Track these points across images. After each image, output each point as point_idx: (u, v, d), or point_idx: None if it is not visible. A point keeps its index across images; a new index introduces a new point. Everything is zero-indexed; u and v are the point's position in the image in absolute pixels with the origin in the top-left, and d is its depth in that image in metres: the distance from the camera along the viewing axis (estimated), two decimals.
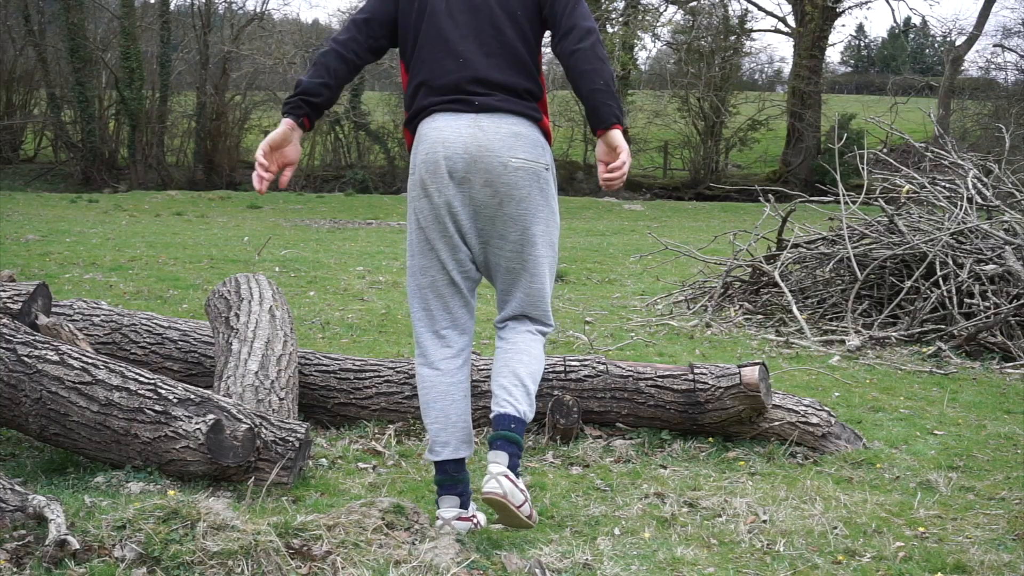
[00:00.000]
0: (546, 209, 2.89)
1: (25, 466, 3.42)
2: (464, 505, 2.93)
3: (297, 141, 2.89)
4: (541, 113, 2.90)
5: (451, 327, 2.95)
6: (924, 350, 5.83)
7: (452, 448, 2.93)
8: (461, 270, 2.91)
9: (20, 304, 3.72)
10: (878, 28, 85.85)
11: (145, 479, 3.10)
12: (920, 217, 7.07)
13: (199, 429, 3.11)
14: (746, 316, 6.92)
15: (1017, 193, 7.26)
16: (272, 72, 27.53)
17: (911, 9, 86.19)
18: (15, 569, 2.37)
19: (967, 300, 6.14)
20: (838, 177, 7.34)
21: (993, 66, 29.45)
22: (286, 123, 2.86)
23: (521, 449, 2.84)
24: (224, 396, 3.43)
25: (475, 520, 2.93)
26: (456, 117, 2.81)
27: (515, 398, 2.89)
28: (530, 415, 2.91)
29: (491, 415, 2.90)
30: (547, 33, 2.94)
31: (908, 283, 6.34)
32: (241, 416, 3.18)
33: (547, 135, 2.92)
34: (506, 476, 2.75)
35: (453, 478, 2.94)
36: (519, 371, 2.92)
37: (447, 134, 2.80)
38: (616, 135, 2.81)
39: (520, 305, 2.96)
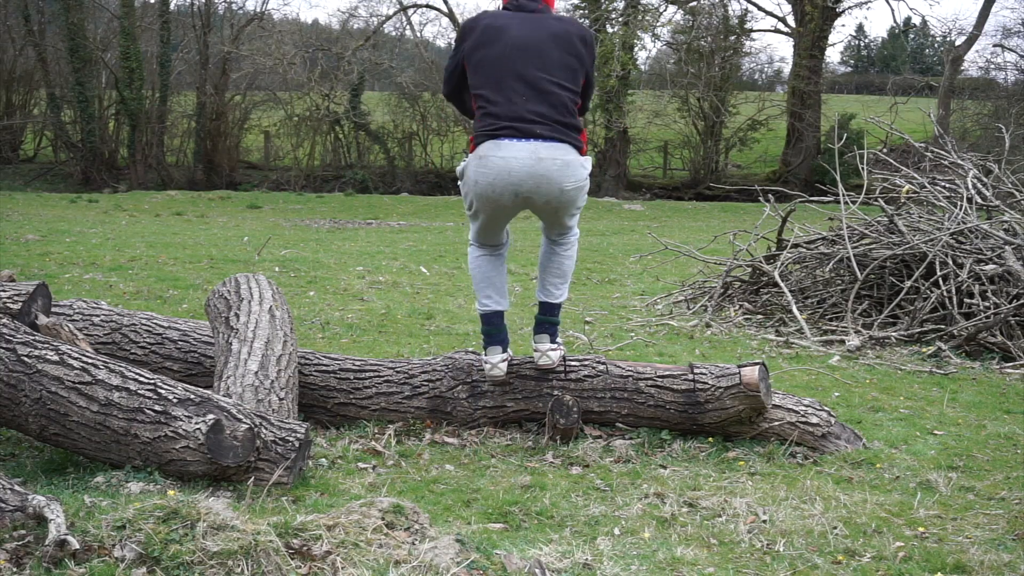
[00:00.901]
0: (583, 199, 3.87)
1: (25, 466, 3.42)
2: (504, 349, 4.01)
3: None
4: (582, 143, 3.79)
5: (494, 236, 4.01)
6: (924, 350, 5.82)
7: (496, 301, 4.01)
8: (507, 213, 3.89)
9: (20, 304, 3.72)
10: (878, 28, 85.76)
11: (145, 479, 3.10)
12: (920, 217, 7.07)
13: (199, 429, 3.11)
14: (746, 316, 6.92)
15: (1017, 193, 7.26)
16: (272, 72, 27.49)
17: (911, 9, 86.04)
18: (15, 569, 2.37)
19: (967, 300, 6.14)
20: (838, 177, 7.34)
21: (993, 66, 29.41)
22: None
23: (558, 324, 4.11)
24: (224, 396, 3.44)
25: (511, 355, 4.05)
26: (518, 144, 3.64)
27: (559, 290, 4.06)
28: (565, 297, 4.10)
29: (538, 300, 4.11)
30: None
31: (908, 283, 6.34)
32: (241, 416, 3.18)
33: (583, 154, 3.83)
34: (552, 350, 4.01)
35: (497, 327, 4.00)
36: (565, 270, 4.06)
37: (513, 164, 3.65)
38: None
39: (556, 227, 3.99)
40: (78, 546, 2.40)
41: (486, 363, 3.99)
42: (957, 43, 26.19)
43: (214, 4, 28.19)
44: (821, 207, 8.20)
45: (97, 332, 4.24)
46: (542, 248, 4.13)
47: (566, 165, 3.68)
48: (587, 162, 3.81)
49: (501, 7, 3.91)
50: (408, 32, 29.16)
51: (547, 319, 4.08)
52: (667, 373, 4.00)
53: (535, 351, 4.06)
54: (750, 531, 3.02)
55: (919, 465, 3.74)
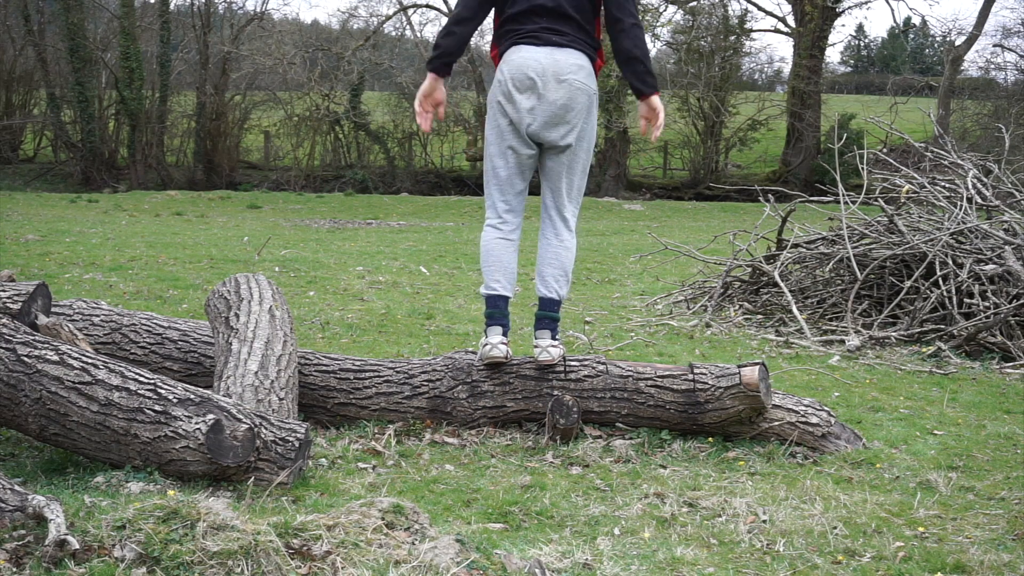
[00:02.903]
0: (591, 122, 4.03)
1: (25, 466, 3.42)
2: (504, 334, 4.03)
3: (441, 87, 4.05)
4: (596, 57, 4.03)
5: (510, 211, 4.10)
6: (924, 350, 5.83)
7: (503, 286, 4.05)
8: (523, 162, 4.04)
9: (20, 304, 3.72)
10: (878, 28, 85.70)
11: (145, 479, 3.10)
12: (920, 217, 7.07)
13: (199, 429, 3.11)
14: (746, 316, 6.92)
15: (1017, 193, 7.26)
16: (272, 72, 27.52)
17: (911, 9, 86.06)
18: (15, 569, 2.37)
19: (967, 300, 6.14)
20: (838, 177, 7.34)
21: (993, 66, 29.41)
22: (431, 77, 4.00)
23: (558, 321, 4.07)
24: (224, 396, 3.44)
25: (509, 348, 4.04)
26: (537, 48, 3.92)
27: (559, 285, 4.06)
28: (566, 295, 4.09)
29: (538, 296, 4.09)
30: None
31: (908, 283, 6.34)
32: (241, 416, 3.18)
33: (596, 71, 4.04)
34: (553, 346, 3.98)
35: (501, 311, 4.04)
36: (564, 263, 4.07)
37: (530, 60, 3.91)
38: (655, 100, 4.05)
39: (558, 198, 4.09)
40: (78, 546, 2.40)
41: (485, 344, 3.99)
42: (957, 43, 26.20)
43: (214, 4, 28.22)
44: (821, 207, 8.20)
45: (97, 332, 4.24)
46: (540, 245, 4.16)
47: (579, 67, 3.94)
48: (595, 78, 4.01)
49: None
50: (408, 32, 29.21)
51: (547, 314, 4.06)
52: (667, 373, 4.00)
53: (535, 347, 4.05)
54: (750, 531, 3.02)
55: (919, 465, 3.74)
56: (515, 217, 4.14)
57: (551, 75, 3.89)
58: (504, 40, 4.02)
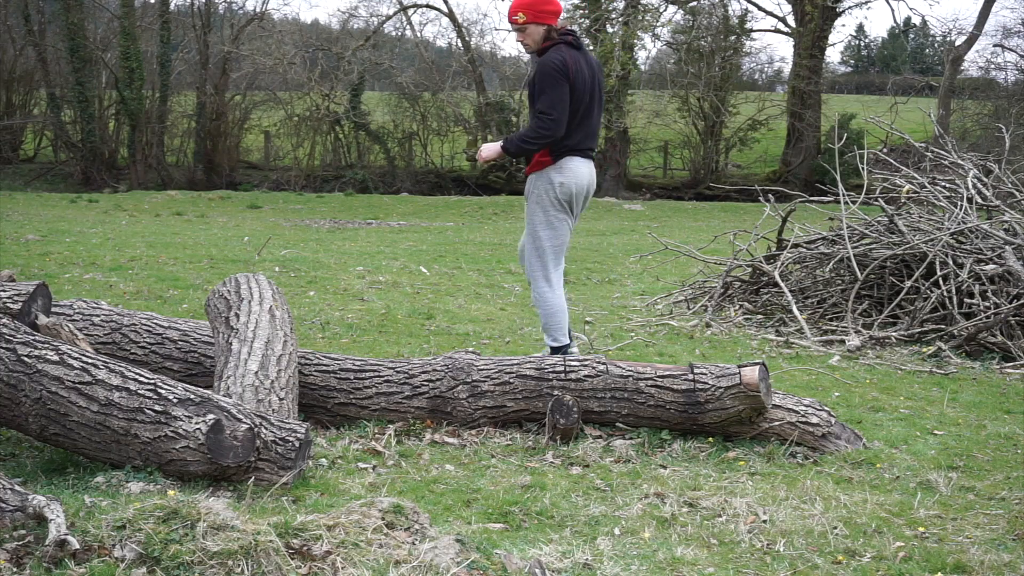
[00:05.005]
0: None
1: (25, 466, 3.42)
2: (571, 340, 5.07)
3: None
4: None
5: (560, 269, 5.09)
6: (924, 350, 5.82)
7: (566, 336, 4.98)
8: (566, 237, 5.09)
9: (20, 304, 3.72)
10: (878, 28, 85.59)
11: (145, 479, 3.11)
12: (920, 217, 7.07)
13: (199, 429, 3.11)
14: (746, 316, 6.92)
15: (1017, 193, 7.26)
16: (272, 72, 27.48)
17: (911, 9, 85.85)
18: (15, 569, 2.37)
19: (967, 300, 6.14)
20: (838, 177, 7.33)
21: (993, 66, 29.36)
22: (502, 152, 4.95)
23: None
24: (224, 396, 3.44)
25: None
26: (584, 161, 4.97)
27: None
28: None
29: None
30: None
31: (908, 283, 6.34)
32: (241, 416, 3.18)
33: None
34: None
35: (568, 346, 4.98)
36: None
37: (584, 173, 4.96)
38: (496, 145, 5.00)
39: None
40: (78, 546, 2.40)
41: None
42: (957, 43, 26.18)
43: (214, 4, 28.20)
44: (821, 207, 8.19)
45: (97, 332, 4.24)
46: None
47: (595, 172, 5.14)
48: None
49: (559, 37, 4.84)
50: (408, 32, 29.18)
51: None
52: (667, 373, 4.00)
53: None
54: (750, 531, 3.02)
55: (919, 465, 3.74)
56: (563, 255, 5.18)
57: (593, 182, 5.05)
58: (563, 145, 4.88)
